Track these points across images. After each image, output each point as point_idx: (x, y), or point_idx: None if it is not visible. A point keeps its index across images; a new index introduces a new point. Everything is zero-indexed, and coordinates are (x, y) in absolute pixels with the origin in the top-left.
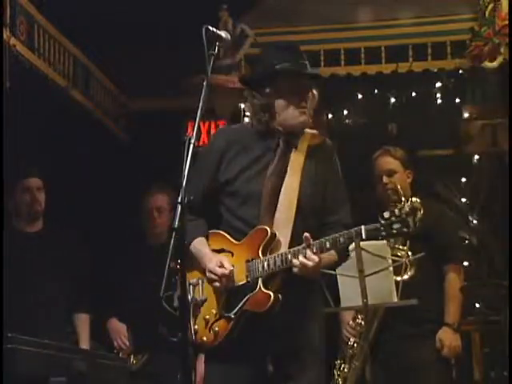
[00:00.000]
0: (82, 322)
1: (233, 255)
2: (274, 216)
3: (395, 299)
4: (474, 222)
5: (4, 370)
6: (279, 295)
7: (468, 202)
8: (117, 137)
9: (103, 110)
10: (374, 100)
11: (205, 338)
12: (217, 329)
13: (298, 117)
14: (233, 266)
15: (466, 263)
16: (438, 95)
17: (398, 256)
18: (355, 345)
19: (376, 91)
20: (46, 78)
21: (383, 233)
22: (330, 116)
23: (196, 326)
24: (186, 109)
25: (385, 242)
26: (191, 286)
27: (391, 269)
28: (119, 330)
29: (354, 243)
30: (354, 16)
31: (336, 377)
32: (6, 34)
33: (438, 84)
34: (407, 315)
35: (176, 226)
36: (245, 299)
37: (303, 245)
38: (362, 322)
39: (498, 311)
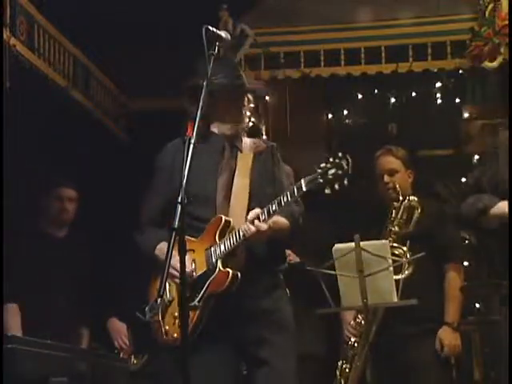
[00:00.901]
0: (83, 337)
1: (194, 251)
2: (229, 211)
3: (395, 299)
4: None
5: (4, 370)
6: (238, 272)
7: None
8: (117, 137)
9: (103, 109)
10: (374, 100)
11: (175, 335)
12: None
13: (233, 127)
14: (193, 262)
15: (466, 263)
16: (438, 95)
17: (395, 255)
18: (356, 345)
19: (376, 91)
20: (45, 78)
21: (321, 180)
22: (330, 116)
23: (166, 327)
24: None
25: (385, 241)
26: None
27: (391, 269)
28: (119, 330)
29: (354, 243)
30: (353, 16)
31: (338, 377)
32: (5, 33)
33: (438, 84)
34: (407, 315)
35: (176, 226)
36: (206, 284)
37: (250, 217)
38: (363, 322)
39: (498, 311)
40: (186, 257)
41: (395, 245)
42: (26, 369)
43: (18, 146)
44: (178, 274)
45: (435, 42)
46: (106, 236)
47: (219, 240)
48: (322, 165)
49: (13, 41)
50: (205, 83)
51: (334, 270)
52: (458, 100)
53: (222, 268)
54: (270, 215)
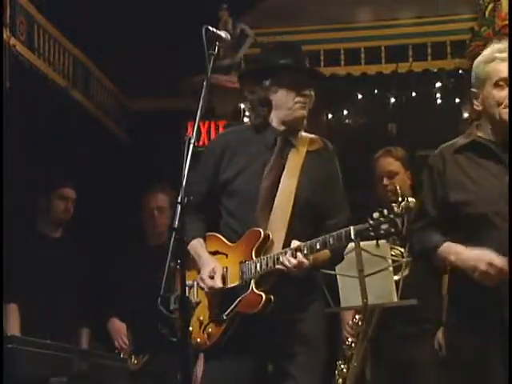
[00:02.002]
0: (83, 337)
1: (227, 257)
2: (270, 217)
3: (395, 299)
4: None
5: (4, 370)
6: (271, 296)
7: None
8: (117, 137)
9: (103, 110)
10: (373, 100)
11: (198, 340)
12: (210, 330)
13: (297, 110)
14: (225, 271)
15: None
16: (438, 95)
17: (393, 255)
18: (353, 345)
19: (376, 91)
20: (45, 78)
21: (372, 233)
22: (329, 116)
23: (190, 328)
24: (186, 109)
25: (385, 241)
26: (187, 288)
27: (391, 269)
28: (120, 330)
29: (354, 243)
30: (353, 16)
31: (337, 377)
32: (5, 34)
33: (438, 84)
34: (406, 315)
35: (176, 226)
36: (237, 301)
37: (294, 245)
38: (360, 322)
39: None
40: (219, 268)
41: (392, 245)
42: (26, 369)
43: (17, 146)
44: (206, 289)
45: (435, 42)
46: (105, 236)
47: (256, 256)
48: (375, 215)
49: (13, 41)
50: (205, 83)
51: (334, 270)
52: (457, 100)
53: (255, 289)
54: (311, 253)
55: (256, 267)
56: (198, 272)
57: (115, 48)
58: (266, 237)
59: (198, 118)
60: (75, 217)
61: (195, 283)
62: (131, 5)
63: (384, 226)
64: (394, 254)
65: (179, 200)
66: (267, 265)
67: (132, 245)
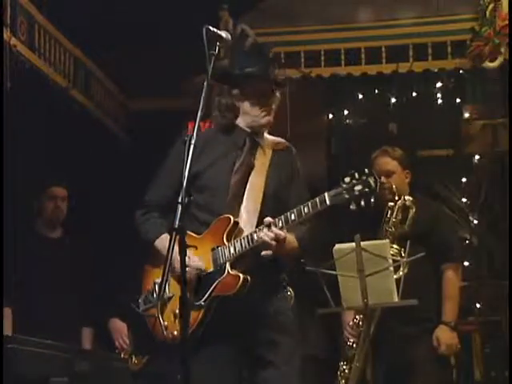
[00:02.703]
0: (86, 336)
1: (197, 248)
2: (240, 208)
3: (396, 299)
4: (475, 221)
5: (4, 370)
6: (248, 276)
7: (468, 202)
8: (117, 137)
9: (103, 110)
10: (374, 100)
11: (175, 332)
12: None
13: (263, 117)
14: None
15: (466, 263)
16: (439, 95)
17: (392, 255)
18: (354, 345)
19: (376, 91)
20: (46, 78)
21: (346, 195)
22: (330, 116)
23: (165, 323)
24: (185, 109)
25: (385, 241)
26: (156, 285)
27: (391, 269)
28: (120, 330)
29: (354, 243)
30: (354, 16)
31: (339, 378)
32: (6, 34)
33: (439, 84)
34: (406, 315)
35: (176, 226)
36: (214, 285)
37: (267, 222)
38: (361, 322)
39: (498, 311)
40: (191, 253)
41: (391, 245)
42: (26, 369)
43: (18, 146)
44: (195, 265)
45: (436, 42)
46: (105, 236)
47: (227, 241)
48: (347, 179)
49: (13, 41)
50: (205, 83)
51: (335, 270)
52: (458, 100)
53: (230, 271)
54: (287, 224)
55: (230, 251)
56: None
57: (115, 48)
58: (235, 223)
59: (198, 118)
60: (75, 217)
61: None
62: (131, 5)
63: (358, 188)
64: (392, 253)
65: (179, 200)
66: (242, 246)
67: (132, 245)
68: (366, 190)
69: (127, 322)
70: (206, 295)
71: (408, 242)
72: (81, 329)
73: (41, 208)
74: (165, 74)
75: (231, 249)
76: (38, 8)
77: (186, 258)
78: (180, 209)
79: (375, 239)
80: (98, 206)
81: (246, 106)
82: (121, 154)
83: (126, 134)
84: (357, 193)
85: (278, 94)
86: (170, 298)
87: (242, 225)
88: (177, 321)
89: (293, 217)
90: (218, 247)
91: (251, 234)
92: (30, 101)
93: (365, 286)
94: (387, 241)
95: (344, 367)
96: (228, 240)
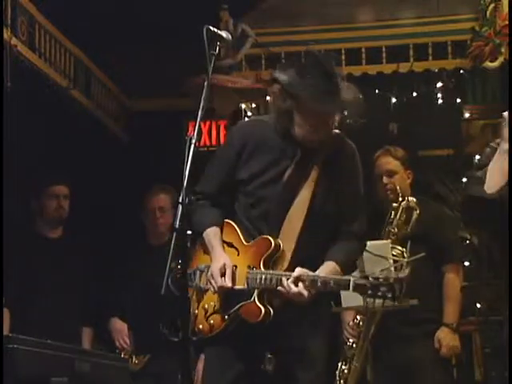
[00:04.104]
0: (85, 335)
1: (238, 254)
2: (282, 226)
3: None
4: None
5: (4, 370)
6: (271, 310)
7: None
8: (117, 137)
9: (103, 109)
10: (374, 100)
11: (201, 326)
12: (212, 322)
13: (315, 133)
14: (234, 269)
15: (466, 263)
16: (439, 95)
17: (393, 255)
18: (354, 345)
19: (377, 91)
20: (46, 78)
21: (369, 291)
22: None
23: (196, 311)
24: (185, 109)
25: (386, 242)
26: (198, 272)
27: (392, 269)
28: (121, 330)
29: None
30: (354, 16)
31: (337, 378)
32: (6, 34)
33: (439, 84)
34: (407, 315)
35: (177, 226)
36: (239, 305)
37: (296, 273)
38: (361, 323)
39: (498, 311)
40: (229, 261)
41: (392, 245)
42: (27, 369)
43: (18, 146)
44: (214, 285)
45: (436, 42)
46: (106, 236)
47: (264, 266)
48: (375, 275)
49: (14, 41)
50: (206, 83)
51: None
52: (458, 100)
53: (257, 301)
54: (313, 287)
55: (261, 279)
56: (211, 259)
57: (115, 48)
58: (277, 246)
59: (198, 118)
60: (75, 217)
61: (206, 269)
62: (131, 5)
63: (382, 289)
64: (394, 253)
65: (180, 200)
66: (271, 282)
67: (133, 245)
68: (389, 295)
69: (127, 322)
70: (232, 311)
71: (409, 243)
72: (81, 329)
73: (41, 207)
74: (165, 74)
75: (262, 277)
76: (38, 8)
77: (219, 270)
78: (180, 209)
79: (378, 240)
80: (98, 205)
81: (299, 118)
82: (121, 153)
83: (126, 134)
84: (380, 293)
85: (336, 117)
86: (205, 290)
87: (282, 244)
88: (207, 315)
89: (319, 284)
90: (253, 268)
91: (280, 277)
92: (30, 101)
93: None
94: (388, 241)
95: (343, 367)
96: (265, 265)
